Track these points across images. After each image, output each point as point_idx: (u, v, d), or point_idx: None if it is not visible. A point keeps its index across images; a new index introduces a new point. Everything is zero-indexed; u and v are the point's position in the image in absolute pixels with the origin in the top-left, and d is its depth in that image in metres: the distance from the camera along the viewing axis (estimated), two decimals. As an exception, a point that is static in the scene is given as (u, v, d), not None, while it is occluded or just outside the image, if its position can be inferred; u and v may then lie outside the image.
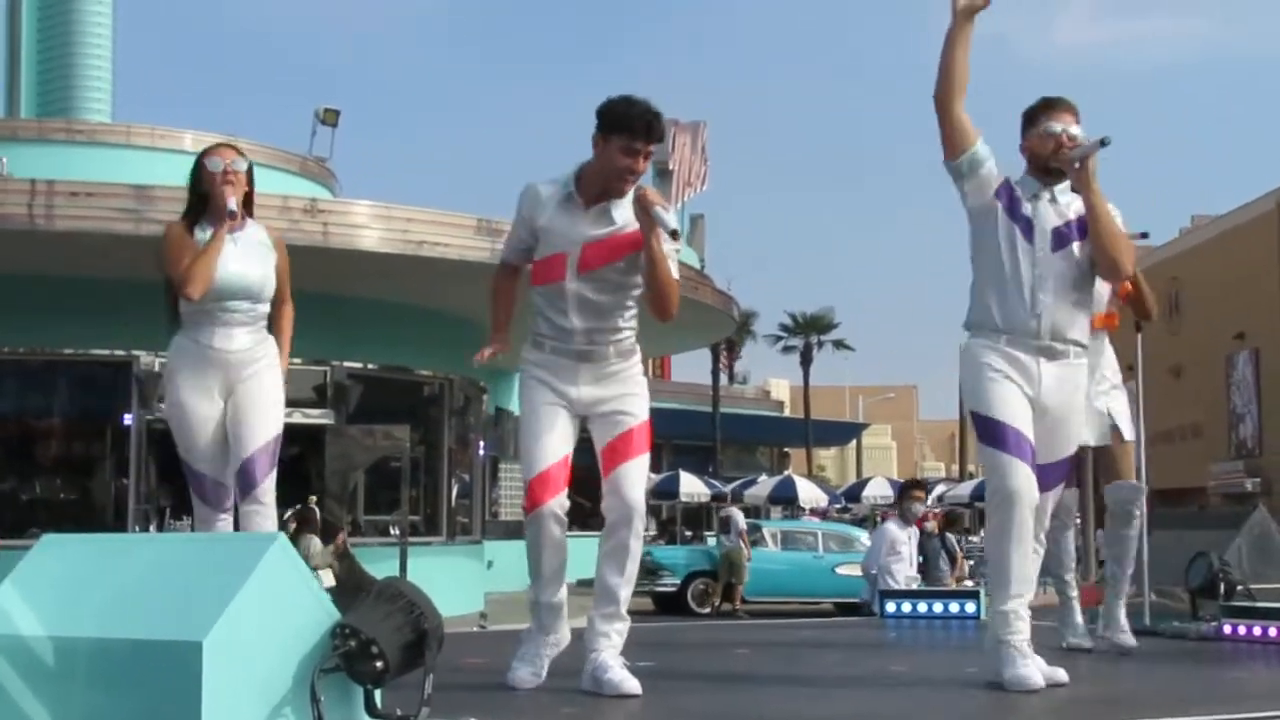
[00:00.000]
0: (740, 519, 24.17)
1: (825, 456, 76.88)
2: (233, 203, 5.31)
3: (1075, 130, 5.07)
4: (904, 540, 12.56)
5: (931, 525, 18.35)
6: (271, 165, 19.04)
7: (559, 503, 4.91)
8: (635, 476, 4.89)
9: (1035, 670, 4.88)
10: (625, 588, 4.89)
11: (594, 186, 4.90)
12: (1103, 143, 4.96)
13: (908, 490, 13.75)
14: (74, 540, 4.05)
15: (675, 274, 4.91)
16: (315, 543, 13.55)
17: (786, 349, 62.36)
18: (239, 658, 3.36)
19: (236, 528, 5.43)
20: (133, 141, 20.47)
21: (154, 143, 20.33)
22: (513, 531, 20.70)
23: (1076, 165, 4.96)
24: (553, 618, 5.04)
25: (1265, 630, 6.70)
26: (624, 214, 4.89)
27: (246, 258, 5.40)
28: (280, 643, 3.49)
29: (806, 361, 61.50)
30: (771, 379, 79.13)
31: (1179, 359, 47.92)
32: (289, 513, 17.45)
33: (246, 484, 5.34)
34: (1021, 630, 4.92)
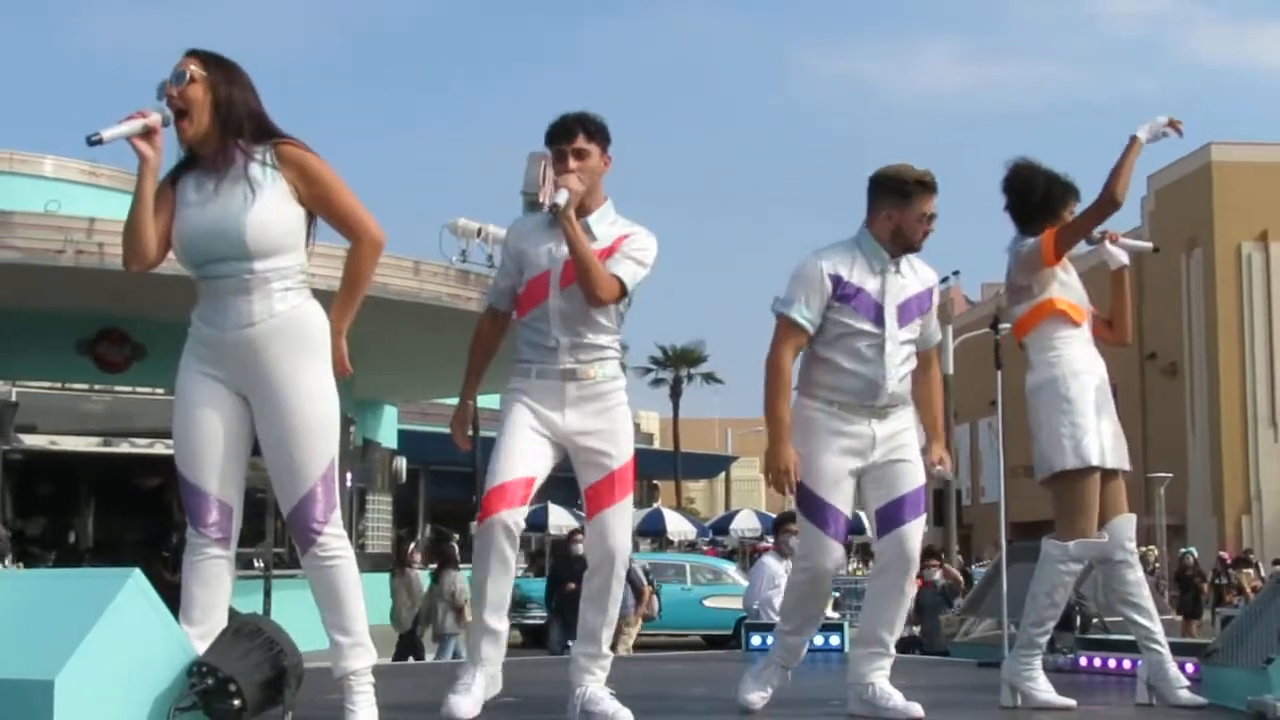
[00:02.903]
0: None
1: (694, 489, 77.14)
2: (140, 123, 4.00)
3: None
4: (782, 573, 12.58)
5: None
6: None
7: (512, 516, 4.77)
8: (617, 522, 4.90)
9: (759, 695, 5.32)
10: (607, 629, 4.95)
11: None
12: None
13: (783, 524, 13.73)
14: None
15: (599, 269, 4.84)
16: (460, 579, 12.96)
17: (656, 381, 62.67)
18: (92, 696, 3.30)
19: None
20: (-10, 166, 20.05)
21: (12, 167, 19.93)
22: (379, 564, 20.50)
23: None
24: (491, 647, 4.94)
25: (1120, 662, 6.86)
26: (602, 231, 4.99)
27: (214, 202, 4.11)
28: (135, 681, 3.44)
29: (676, 394, 61.75)
30: (641, 411, 79.32)
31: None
32: (412, 545, 16.66)
33: (304, 532, 4.12)
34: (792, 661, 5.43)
